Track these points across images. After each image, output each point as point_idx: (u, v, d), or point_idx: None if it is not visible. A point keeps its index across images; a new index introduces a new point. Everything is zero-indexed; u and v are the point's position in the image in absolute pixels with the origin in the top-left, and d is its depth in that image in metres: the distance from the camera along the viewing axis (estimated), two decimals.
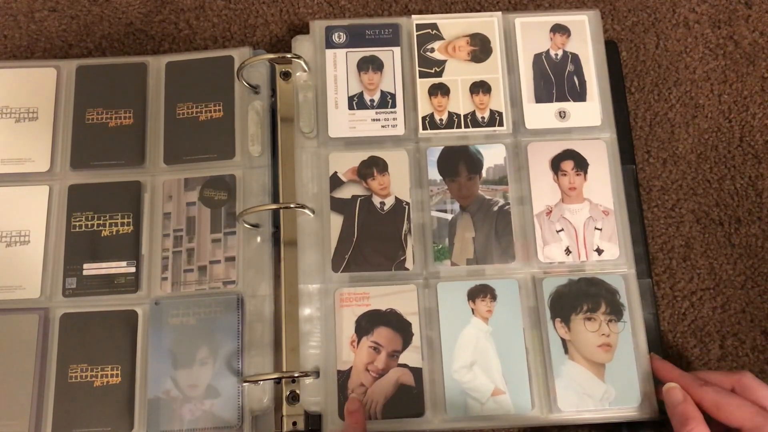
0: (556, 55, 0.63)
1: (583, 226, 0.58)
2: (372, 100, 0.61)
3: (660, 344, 0.59)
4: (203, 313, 0.57)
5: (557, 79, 0.62)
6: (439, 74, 0.62)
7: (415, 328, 0.56)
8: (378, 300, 0.56)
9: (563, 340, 0.55)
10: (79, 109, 0.62)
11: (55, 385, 0.56)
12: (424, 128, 0.61)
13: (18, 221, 0.59)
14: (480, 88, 0.62)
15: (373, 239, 0.58)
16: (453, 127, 0.61)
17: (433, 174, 0.60)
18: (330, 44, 0.63)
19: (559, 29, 0.63)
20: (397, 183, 0.59)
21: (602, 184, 0.59)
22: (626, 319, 0.56)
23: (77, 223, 0.59)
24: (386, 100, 0.61)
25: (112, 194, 0.60)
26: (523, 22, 0.63)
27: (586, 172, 0.60)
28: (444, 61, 0.62)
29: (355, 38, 0.63)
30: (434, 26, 0.63)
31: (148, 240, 0.59)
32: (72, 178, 0.61)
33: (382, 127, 0.61)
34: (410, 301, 0.57)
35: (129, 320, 0.57)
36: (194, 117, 0.62)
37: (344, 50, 0.63)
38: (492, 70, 0.62)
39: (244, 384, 0.55)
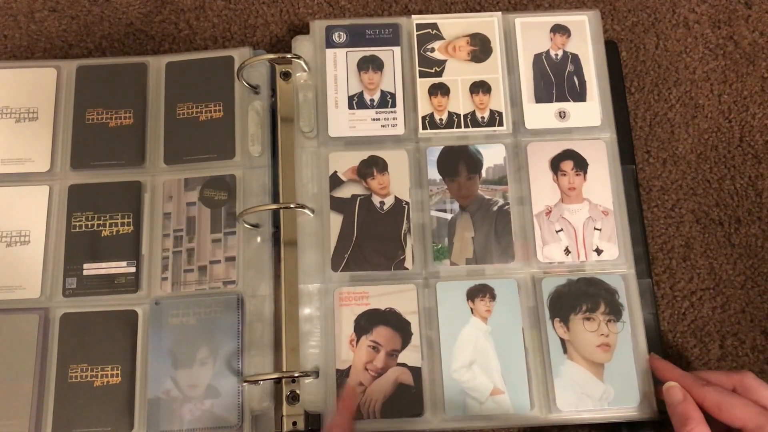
0: (556, 55, 0.63)
1: (583, 226, 0.58)
2: (372, 100, 0.61)
3: (660, 344, 0.59)
4: (203, 313, 0.57)
5: (557, 79, 0.62)
6: (439, 74, 0.62)
7: (415, 328, 0.56)
8: (377, 299, 0.56)
9: (562, 340, 0.55)
10: (79, 109, 0.62)
11: (55, 385, 0.56)
12: (424, 128, 0.61)
13: (18, 221, 0.59)
14: (480, 88, 0.62)
15: (372, 239, 0.58)
16: (453, 127, 0.61)
17: (433, 174, 0.60)
18: (330, 44, 0.63)
19: (559, 29, 0.63)
20: (397, 182, 0.59)
21: (602, 184, 0.59)
22: (625, 319, 0.56)
23: (77, 223, 0.59)
24: (386, 100, 0.61)
25: (112, 194, 0.60)
26: (523, 22, 0.63)
27: (585, 172, 0.60)
28: (444, 61, 0.62)
29: (356, 38, 0.63)
30: (434, 26, 0.63)
31: (148, 240, 0.59)
32: (72, 178, 0.61)
33: (382, 126, 0.61)
34: (409, 300, 0.57)
35: (129, 320, 0.57)
36: (194, 117, 0.62)
37: (344, 50, 0.63)
38: (492, 70, 0.62)
39: (244, 384, 0.55)
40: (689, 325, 0.60)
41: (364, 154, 0.60)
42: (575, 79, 0.62)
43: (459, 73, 0.62)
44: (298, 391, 0.56)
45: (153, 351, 0.56)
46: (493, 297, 0.56)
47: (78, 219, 0.59)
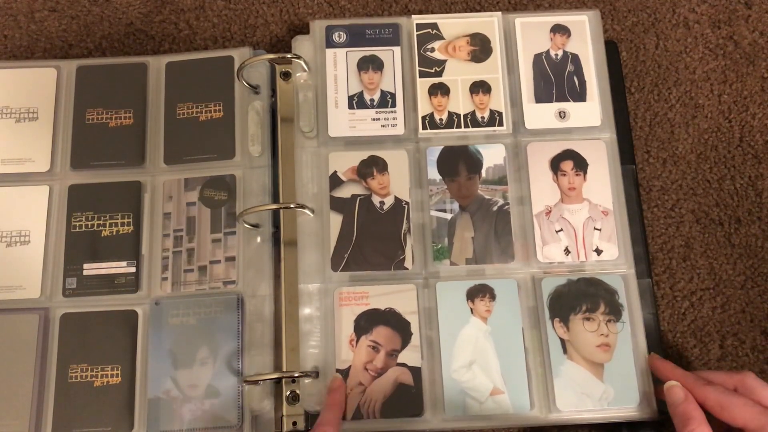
0: (556, 55, 0.63)
1: (583, 226, 0.58)
2: (372, 100, 0.61)
3: (660, 344, 0.59)
4: (203, 313, 0.57)
5: (557, 79, 0.62)
6: (439, 74, 0.62)
7: (414, 328, 0.56)
8: (377, 299, 0.56)
9: (562, 340, 0.55)
10: (79, 109, 0.62)
11: (55, 385, 0.56)
12: (424, 128, 0.61)
13: (18, 221, 0.59)
14: (480, 88, 0.62)
15: (372, 239, 0.58)
16: (453, 127, 0.61)
17: (433, 174, 0.60)
18: (330, 44, 0.63)
19: (559, 29, 0.63)
20: (397, 182, 0.59)
21: (602, 184, 0.59)
22: (625, 320, 0.56)
23: (77, 223, 0.59)
24: (386, 100, 0.61)
25: (112, 194, 0.60)
26: (523, 22, 0.63)
27: (585, 173, 0.60)
28: (444, 61, 0.62)
29: (356, 38, 0.63)
30: (434, 26, 0.63)
31: (148, 240, 0.59)
32: (72, 178, 0.61)
33: (382, 126, 0.61)
34: (409, 300, 0.57)
35: (129, 320, 0.57)
36: (194, 117, 0.62)
37: (344, 50, 0.63)
38: (492, 70, 0.62)
39: (244, 384, 0.55)
40: (689, 325, 0.60)
41: (364, 154, 0.60)
42: (575, 79, 0.62)
43: (459, 73, 0.62)
44: (298, 391, 0.56)
45: (153, 351, 0.56)
46: (492, 297, 0.56)
47: (78, 219, 0.59)
